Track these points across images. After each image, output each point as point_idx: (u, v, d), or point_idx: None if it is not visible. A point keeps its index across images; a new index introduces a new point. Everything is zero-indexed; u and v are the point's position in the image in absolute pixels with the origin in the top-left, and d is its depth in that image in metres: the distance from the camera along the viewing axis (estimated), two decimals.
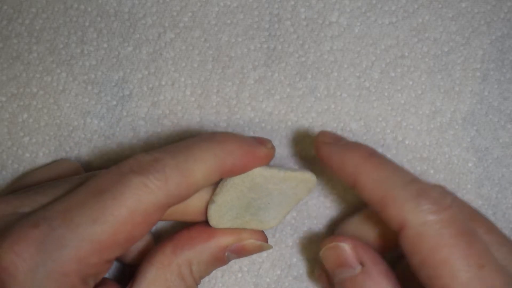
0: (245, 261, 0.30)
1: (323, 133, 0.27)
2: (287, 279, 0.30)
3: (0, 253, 0.21)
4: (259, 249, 0.27)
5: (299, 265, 0.30)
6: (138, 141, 0.30)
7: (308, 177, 0.26)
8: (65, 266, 0.21)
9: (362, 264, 0.25)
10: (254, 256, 0.30)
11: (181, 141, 0.24)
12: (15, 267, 0.21)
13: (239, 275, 0.30)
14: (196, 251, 0.25)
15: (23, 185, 0.28)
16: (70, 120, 0.30)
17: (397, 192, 0.23)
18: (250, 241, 0.26)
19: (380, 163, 0.25)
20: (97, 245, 0.22)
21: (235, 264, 0.30)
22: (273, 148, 0.25)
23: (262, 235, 0.27)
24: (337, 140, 0.26)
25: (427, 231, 0.22)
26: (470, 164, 0.30)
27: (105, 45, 0.30)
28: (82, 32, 0.30)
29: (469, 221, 0.25)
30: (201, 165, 0.23)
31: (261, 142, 0.25)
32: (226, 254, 0.26)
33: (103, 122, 0.30)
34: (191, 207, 0.26)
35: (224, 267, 0.30)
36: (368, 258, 0.25)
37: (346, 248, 0.25)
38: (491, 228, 0.25)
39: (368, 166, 0.24)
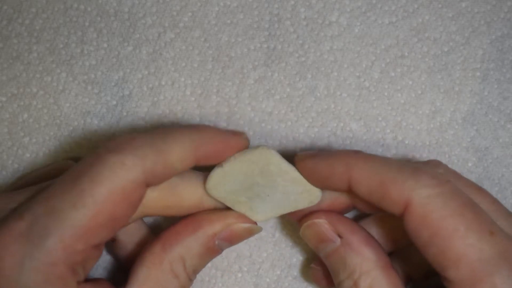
0: (245, 261, 0.30)
1: (301, 153, 0.27)
2: (287, 279, 0.30)
3: None
4: (249, 233, 0.27)
5: (299, 265, 0.30)
6: None
7: (315, 191, 0.26)
8: (51, 256, 0.21)
9: (340, 236, 0.25)
10: (254, 256, 0.30)
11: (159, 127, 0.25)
12: (2, 261, 0.21)
13: (239, 275, 0.30)
14: (185, 245, 0.25)
15: (23, 186, 0.28)
16: (70, 120, 0.30)
17: (394, 174, 0.23)
18: (238, 225, 0.26)
19: (369, 155, 0.25)
20: (80, 230, 0.21)
21: (235, 264, 0.30)
22: (247, 139, 0.26)
23: (247, 219, 0.26)
24: (317, 153, 0.26)
25: (432, 204, 0.22)
26: (470, 164, 0.30)
27: (105, 45, 0.30)
28: (82, 32, 0.30)
29: (472, 193, 0.25)
30: (177, 146, 0.23)
31: (235, 133, 0.26)
32: (217, 242, 0.26)
33: (103, 122, 0.30)
34: (186, 201, 0.25)
35: (224, 267, 0.30)
36: (346, 229, 0.25)
37: (322, 223, 0.26)
38: (494, 200, 0.25)
39: (359, 160, 0.24)
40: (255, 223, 0.27)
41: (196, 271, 0.26)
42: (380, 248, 0.25)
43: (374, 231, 0.28)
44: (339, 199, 0.27)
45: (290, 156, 0.30)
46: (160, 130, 0.24)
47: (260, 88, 0.30)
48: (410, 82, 0.30)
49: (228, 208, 0.26)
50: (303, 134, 0.30)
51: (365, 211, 0.28)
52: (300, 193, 0.26)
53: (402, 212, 0.23)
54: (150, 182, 0.23)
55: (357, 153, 0.25)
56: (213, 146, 0.25)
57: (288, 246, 0.30)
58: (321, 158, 0.25)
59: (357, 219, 0.29)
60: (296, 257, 0.30)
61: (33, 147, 0.30)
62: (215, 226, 0.26)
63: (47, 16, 0.31)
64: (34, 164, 0.30)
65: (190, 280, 0.26)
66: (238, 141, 0.25)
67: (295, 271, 0.30)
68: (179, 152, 0.24)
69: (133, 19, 0.31)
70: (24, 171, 0.30)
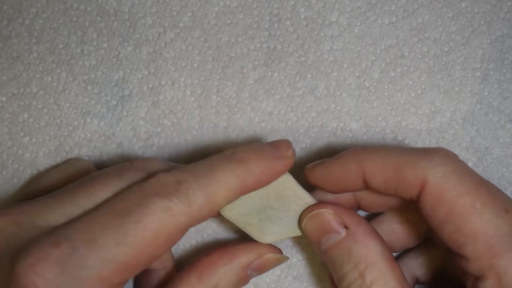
0: None
1: (308, 165, 0.27)
2: (287, 279, 0.30)
3: (21, 272, 0.20)
4: (278, 262, 0.27)
5: (299, 265, 0.30)
6: (138, 141, 0.30)
7: None
8: (88, 287, 0.21)
9: (346, 227, 0.25)
10: None
11: (203, 161, 0.24)
12: (35, 287, 0.20)
13: None
14: (221, 274, 0.25)
15: (37, 188, 0.28)
16: (70, 120, 0.30)
17: (407, 158, 0.23)
18: (270, 255, 0.26)
19: (377, 147, 0.25)
20: (120, 266, 0.22)
21: None
22: (293, 154, 0.25)
23: (277, 248, 0.27)
24: (325, 160, 0.26)
25: (448, 182, 0.23)
26: (470, 164, 0.30)
27: (105, 45, 0.30)
28: (82, 32, 0.31)
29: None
30: (223, 187, 0.23)
31: (281, 149, 0.25)
32: (249, 272, 0.26)
33: (103, 122, 0.30)
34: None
35: None
36: (352, 220, 0.25)
37: (329, 213, 0.25)
38: (498, 188, 0.25)
39: (369, 152, 0.25)
40: (281, 252, 0.27)
41: None
42: (384, 241, 0.25)
43: (382, 231, 0.28)
44: (342, 198, 0.27)
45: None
46: (204, 167, 0.24)
47: (260, 88, 0.30)
48: (410, 82, 0.30)
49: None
50: (303, 134, 0.30)
51: (370, 211, 0.28)
52: None
53: (418, 194, 0.23)
54: (194, 224, 0.23)
55: (365, 148, 0.25)
56: (259, 177, 0.24)
57: (288, 246, 0.30)
58: (330, 163, 0.25)
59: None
60: (296, 257, 0.30)
61: (33, 147, 0.30)
62: (250, 256, 0.26)
63: (47, 16, 0.31)
64: (34, 164, 0.30)
65: None
66: (284, 166, 0.25)
67: (295, 271, 0.30)
68: (225, 193, 0.23)
69: (133, 19, 0.31)
70: (24, 171, 0.30)
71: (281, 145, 0.25)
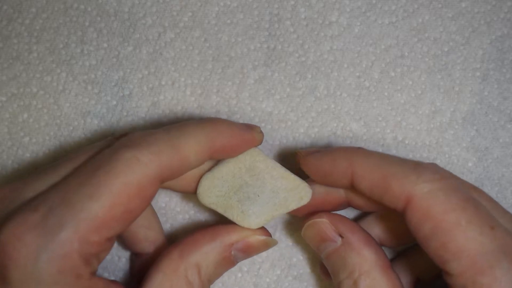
0: (245, 261, 0.30)
1: (302, 150, 0.27)
2: (287, 279, 0.30)
3: (3, 239, 0.21)
4: (265, 245, 0.27)
5: (299, 265, 0.30)
6: None
7: (304, 187, 0.26)
8: (65, 247, 0.21)
9: (341, 235, 0.26)
10: (254, 256, 0.30)
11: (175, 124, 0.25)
12: (17, 251, 0.21)
13: (239, 275, 0.30)
14: (202, 252, 0.25)
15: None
16: (70, 120, 0.30)
17: (396, 169, 0.24)
18: (254, 237, 0.26)
19: (371, 151, 0.25)
20: (95, 221, 0.22)
21: None
22: (261, 133, 0.26)
23: (265, 231, 0.27)
24: (319, 149, 0.27)
25: (434, 198, 0.23)
26: (470, 164, 0.30)
27: (105, 45, 0.30)
28: (82, 32, 0.30)
29: (470, 191, 0.25)
30: (192, 140, 0.24)
31: (250, 127, 0.26)
32: (233, 253, 0.26)
33: (103, 122, 0.30)
34: (186, 175, 0.26)
35: None
36: (346, 229, 0.26)
37: (324, 222, 0.26)
38: (491, 198, 0.26)
39: (361, 155, 0.25)
40: (270, 235, 0.27)
41: (210, 280, 0.26)
42: (380, 249, 0.25)
43: (375, 229, 0.28)
44: (332, 194, 0.27)
45: (290, 156, 0.30)
46: (175, 125, 0.25)
47: (260, 88, 0.30)
48: (410, 82, 0.30)
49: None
50: (303, 134, 0.30)
51: (361, 209, 0.28)
52: (290, 189, 0.26)
53: (404, 207, 0.23)
54: (165, 177, 0.23)
55: (359, 149, 0.25)
56: (228, 140, 0.25)
57: (288, 246, 0.30)
58: (323, 154, 0.26)
59: (357, 218, 0.29)
60: (296, 257, 0.30)
61: (33, 147, 0.30)
62: (233, 236, 0.26)
63: (47, 16, 0.30)
64: (34, 164, 0.30)
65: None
66: (253, 136, 0.26)
67: (295, 271, 0.30)
68: (194, 147, 0.24)
69: (133, 19, 0.31)
70: (24, 171, 0.30)
71: (250, 124, 0.26)
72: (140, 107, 0.30)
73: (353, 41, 0.30)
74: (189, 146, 0.24)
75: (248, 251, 0.26)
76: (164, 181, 0.24)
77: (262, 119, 0.30)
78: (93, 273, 0.23)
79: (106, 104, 0.30)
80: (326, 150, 0.26)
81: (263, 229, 0.27)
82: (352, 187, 0.25)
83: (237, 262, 0.27)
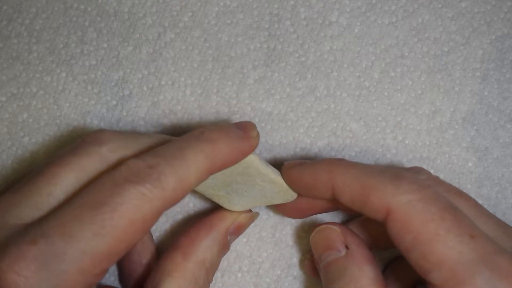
0: (245, 261, 0.30)
1: (288, 162, 0.28)
2: (287, 279, 0.30)
3: (0, 274, 0.21)
4: (251, 219, 0.29)
5: (299, 265, 0.30)
6: None
7: (291, 192, 0.27)
8: (68, 280, 0.21)
9: (347, 247, 0.26)
10: (254, 256, 0.30)
11: (171, 142, 0.24)
12: (18, 287, 0.21)
13: (239, 275, 0.30)
14: (204, 248, 0.26)
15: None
16: (70, 120, 0.30)
17: (375, 181, 0.24)
18: (243, 216, 0.28)
19: (352, 163, 0.25)
20: (99, 256, 0.22)
21: (235, 264, 0.30)
22: (257, 136, 0.26)
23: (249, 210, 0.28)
24: (302, 162, 0.27)
25: (413, 209, 0.23)
26: (470, 164, 0.30)
27: (105, 45, 0.30)
28: (82, 32, 0.30)
29: (454, 197, 0.25)
30: (194, 168, 0.23)
31: (246, 130, 0.26)
32: (229, 238, 0.27)
33: (103, 122, 0.30)
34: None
35: (224, 267, 0.30)
36: (354, 242, 0.26)
37: (336, 229, 0.27)
38: (475, 203, 0.26)
39: (342, 167, 0.25)
40: (251, 210, 0.28)
41: (214, 271, 0.27)
42: (379, 270, 0.26)
43: (363, 232, 0.28)
44: (318, 200, 0.27)
45: (290, 157, 0.30)
46: (174, 149, 0.24)
47: (260, 88, 0.30)
48: (410, 82, 0.30)
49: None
50: (303, 134, 0.30)
51: (350, 213, 0.28)
52: (277, 192, 0.27)
53: (384, 218, 0.24)
54: (168, 207, 0.23)
55: (339, 161, 0.25)
56: (227, 157, 0.25)
57: (288, 246, 0.30)
58: (305, 167, 0.26)
59: (345, 221, 0.29)
60: (296, 257, 0.30)
61: (33, 147, 0.30)
62: (226, 223, 0.27)
63: (47, 16, 0.30)
64: (34, 164, 0.30)
65: (209, 282, 0.27)
66: (250, 144, 0.25)
67: (295, 271, 0.30)
68: (196, 173, 0.24)
69: (133, 19, 0.31)
70: (24, 171, 0.30)
71: (246, 126, 0.26)
72: (140, 107, 0.30)
73: (353, 41, 0.30)
74: (192, 175, 0.23)
75: (239, 230, 0.28)
76: (166, 209, 0.24)
77: (262, 119, 0.30)
78: None
79: (106, 104, 0.30)
80: (309, 162, 0.26)
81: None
82: (334, 199, 0.25)
83: (230, 245, 0.28)
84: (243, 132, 0.25)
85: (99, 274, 0.22)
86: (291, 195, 0.27)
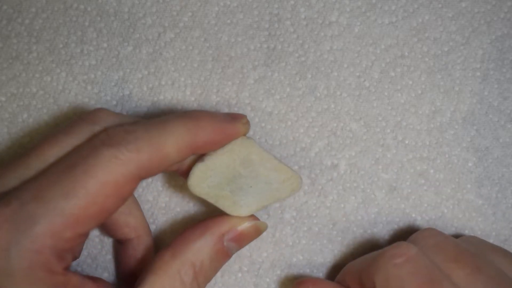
0: (245, 261, 0.30)
1: (297, 281, 0.29)
2: (287, 279, 0.30)
3: None
4: (256, 230, 0.27)
5: (299, 265, 0.30)
6: None
7: (296, 178, 0.26)
8: (38, 242, 0.21)
9: None
10: (254, 256, 0.30)
11: (157, 117, 0.24)
12: None
13: (239, 275, 0.30)
14: (195, 249, 0.25)
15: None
16: (70, 120, 0.30)
17: (365, 264, 0.25)
18: (245, 224, 0.26)
19: (360, 258, 0.28)
20: (70, 218, 0.22)
21: (235, 264, 0.30)
22: (247, 123, 0.26)
23: (253, 217, 0.27)
24: (310, 280, 0.28)
25: (389, 286, 0.23)
26: (470, 164, 0.30)
27: (105, 45, 0.30)
28: (82, 32, 0.30)
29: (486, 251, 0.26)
30: (173, 138, 0.23)
31: (235, 117, 0.26)
32: (226, 244, 0.26)
33: None
34: (172, 155, 0.25)
35: (224, 267, 0.30)
36: None
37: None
38: (500, 249, 0.26)
39: (349, 265, 0.28)
40: (258, 218, 0.27)
41: (207, 277, 0.26)
42: None
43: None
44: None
45: (290, 157, 0.30)
46: (156, 121, 0.24)
47: (260, 88, 0.30)
48: (410, 82, 0.30)
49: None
50: (303, 134, 0.30)
51: None
52: (283, 181, 0.26)
53: None
54: (143, 175, 0.23)
55: (350, 264, 0.28)
56: (210, 135, 0.24)
57: (288, 246, 0.30)
58: (319, 283, 0.28)
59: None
60: (296, 257, 0.30)
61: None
62: (222, 227, 0.26)
63: (47, 16, 0.30)
64: None
65: (199, 286, 0.25)
66: (236, 128, 0.25)
67: (295, 271, 0.30)
68: (175, 144, 0.23)
69: (133, 19, 0.31)
70: None
71: (236, 114, 0.26)
72: (140, 107, 0.30)
73: (353, 41, 0.30)
74: (170, 144, 0.23)
75: (241, 240, 0.26)
76: (143, 179, 0.23)
77: (262, 119, 0.30)
78: (67, 268, 0.23)
79: (106, 104, 0.30)
80: (316, 280, 0.28)
81: (252, 216, 0.27)
82: None
83: (232, 254, 0.26)
84: (230, 117, 0.25)
85: (70, 239, 0.22)
86: (296, 183, 0.26)
